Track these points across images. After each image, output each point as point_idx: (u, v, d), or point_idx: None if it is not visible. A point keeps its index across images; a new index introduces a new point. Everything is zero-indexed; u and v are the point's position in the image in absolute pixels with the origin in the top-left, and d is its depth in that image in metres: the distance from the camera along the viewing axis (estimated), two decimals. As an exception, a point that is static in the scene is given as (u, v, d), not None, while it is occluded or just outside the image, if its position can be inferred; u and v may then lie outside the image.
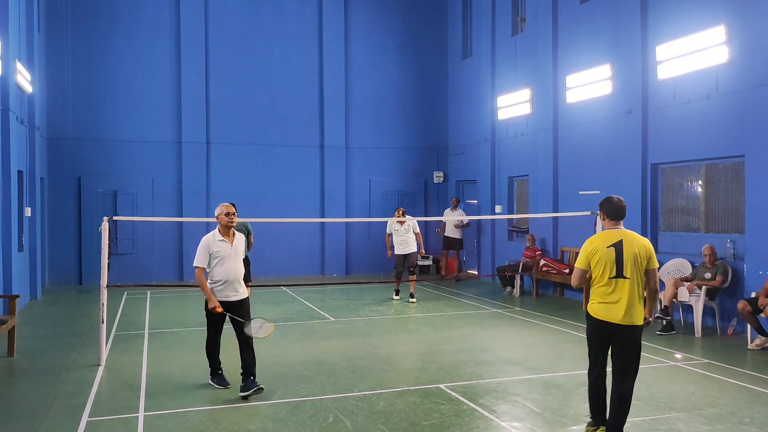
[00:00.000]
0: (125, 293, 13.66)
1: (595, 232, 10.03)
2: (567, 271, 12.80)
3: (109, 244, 8.09)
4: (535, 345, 8.85)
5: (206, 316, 6.67)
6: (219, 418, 5.78)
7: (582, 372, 7.32)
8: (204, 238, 6.57)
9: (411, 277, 12.94)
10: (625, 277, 4.92)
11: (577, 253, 13.06)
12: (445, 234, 16.45)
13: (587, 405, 6.13)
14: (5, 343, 8.18)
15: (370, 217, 17.36)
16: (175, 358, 8.08)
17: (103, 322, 7.82)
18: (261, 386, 6.40)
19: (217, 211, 6.62)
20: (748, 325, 8.58)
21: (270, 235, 15.32)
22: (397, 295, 13.07)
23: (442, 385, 6.78)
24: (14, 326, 8.21)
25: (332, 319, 10.90)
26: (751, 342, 8.51)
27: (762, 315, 8.39)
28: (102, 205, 15.53)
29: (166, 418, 5.79)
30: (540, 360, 7.95)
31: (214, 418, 5.81)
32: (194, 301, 12.99)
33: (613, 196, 5.18)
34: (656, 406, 6.06)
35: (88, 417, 5.81)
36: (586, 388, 6.65)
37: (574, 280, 5.20)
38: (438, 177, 18.54)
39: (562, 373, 7.26)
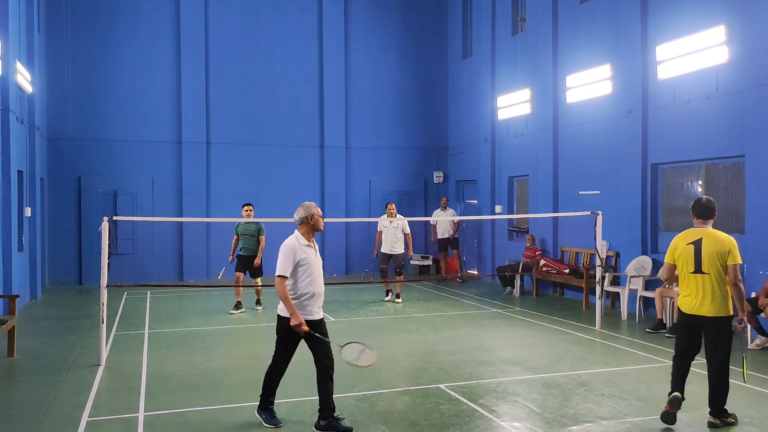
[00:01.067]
0: (125, 293, 13.66)
1: (595, 232, 10.08)
2: (567, 271, 12.80)
3: (109, 244, 8.09)
4: (535, 345, 8.84)
5: (279, 334, 5.65)
6: (219, 418, 5.78)
7: (582, 372, 7.33)
8: (288, 243, 5.59)
9: (398, 278, 12.88)
10: (703, 273, 5.41)
11: (577, 253, 13.16)
12: (439, 237, 16.19)
13: (587, 405, 6.14)
14: (5, 343, 8.18)
15: (370, 217, 17.35)
16: (175, 358, 8.08)
17: (103, 322, 7.82)
18: (350, 427, 5.45)
19: (308, 212, 5.66)
20: (749, 325, 8.58)
21: (270, 236, 15.28)
22: (387, 295, 12.98)
23: (442, 385, 6.78)
24: (14, 326, 8.21)
25: (332, 319, 10.90)
26: (751, 342, 8.51)
27: (762, 315, 8.39)
28: (102, 205, 15.52)
29: (166, 418, 5.79)
30: (540, 360, 7.95)
31: (214, 418, 5.81)
32: (194, 301, 12.99)
33: (703, 197, 5.68)
34: (656, 406, 6.05)
35: (88, 417, 5.81)
36: (586, 388, 6.67)
37: (661, 273, 5.95)
38: (438, 177, 18.53)
39: (562, 373, 7.26)
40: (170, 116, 16.28)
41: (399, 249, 12.83)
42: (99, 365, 7.66)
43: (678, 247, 5.58)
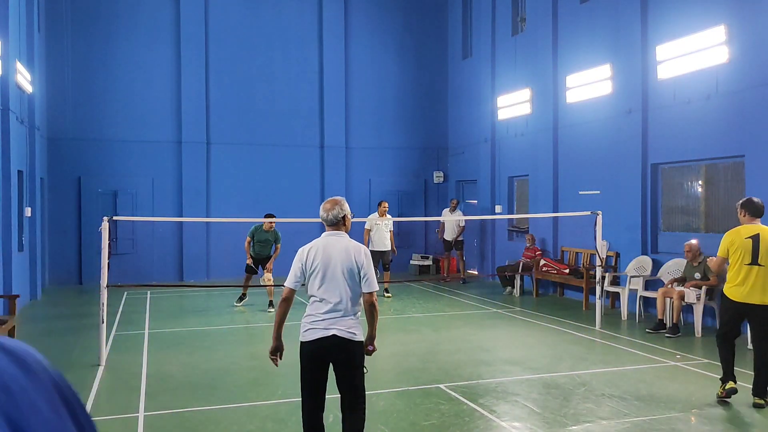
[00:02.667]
0: (125, 293, 13.65)
1: (595, 232, 10.07)
2: (567, 271, 12.80)
3: (109, 244, 8.09)
4: (535, 345, 8.84)
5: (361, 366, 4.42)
6: (219, 418, 5.78)
7: (582, 372, 7.33)
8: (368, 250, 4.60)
9: (386, 274, 13.46)
10: (760, 264, 5.85)
11: (577, 253, 13.15)
12: (445, 237, 15.99)
13: (587, 405, 6.15)
14: (5, 343, 8.17)
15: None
16: (175, 358, 8.08)
17: (103, 322, 7.83)
18: None
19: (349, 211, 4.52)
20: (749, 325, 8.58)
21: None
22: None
23: (442, 385, 6.78)
24: (14, 326, 8.21)
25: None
26: (751, 342, 8.50)
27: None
28: (102, 205, 15.51)
29: (166, 418, 5.79)
30: (540, 360, 7.95)
31: (214, 418, 5.81)
32: (194, 301, 12.99)
33: (754, 197, 6.16)
34: (656, 406, 6.06)
35: (88, 417, 5.81)
36: (586, 388, 6.68)
37: (715, 266, 6.52)
38: (438, 177, 18.53)
39: (562, 373, 7.26)
40: (170, 116, 16.28)
41: (388, 246, 13.38)
42: (99, 365, 7.66)
43: (734, 241, 5.98)
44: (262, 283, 11.83)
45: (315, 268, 4.29)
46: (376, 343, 4.46)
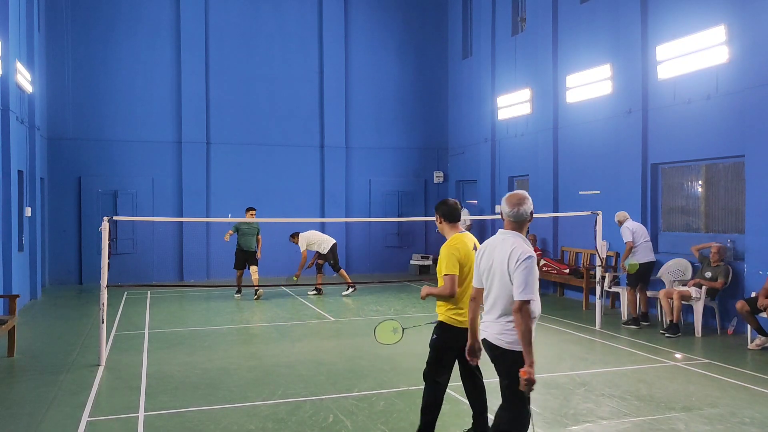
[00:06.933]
0: (125, 293, 13.65)
1: (595, 232, 10.07)
2: (567, 271, 12.80)
3: (109, 244, 8.09)
4: (535, 345, 8.80)
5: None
6: (219, 418, 5.78)
7: (582, 372, 7.33)
8: (530, 252, 3.94)
9: (341, 272, 13.76)
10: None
11: (577, 253, 13.14)
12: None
13: (587, 405, 6.15)
14: (5, 343, 8.18)
15: (370, 217, 17.35)
16: (175, 358, 8.08)
17: (103, 322, 7.82)
18: None
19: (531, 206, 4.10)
20: (748, 325, 8.58)
21: (270, 235, 15.31)
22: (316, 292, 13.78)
23: (442, 385, 6.76)
24: (14, 326, 8.21)
25: (332, 319, 10.90)
26: (751, 342, 8.51)
27: (762, 315, 8.38)
28: (102, 205, 15.52)
29: (166, 418, 5.79)
30: (540, 360, 7.90)
31: (214, 418, 5.80)
32: (194, 301, 12.98)
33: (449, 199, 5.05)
34: (656, 406, 6.06)
35: (88, 417, 5.81)
36: (586, 388, 6.67)
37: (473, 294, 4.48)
38: (438, 177, 18.54)
39: (562, 373, 7.26)
40: (170, 116, 16.28)
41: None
42: (99, 365, 7.66)
43: (471, 255, 4.77)
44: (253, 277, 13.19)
45: (482, 270, 4.18)
46: (529, 370, 3.95)
